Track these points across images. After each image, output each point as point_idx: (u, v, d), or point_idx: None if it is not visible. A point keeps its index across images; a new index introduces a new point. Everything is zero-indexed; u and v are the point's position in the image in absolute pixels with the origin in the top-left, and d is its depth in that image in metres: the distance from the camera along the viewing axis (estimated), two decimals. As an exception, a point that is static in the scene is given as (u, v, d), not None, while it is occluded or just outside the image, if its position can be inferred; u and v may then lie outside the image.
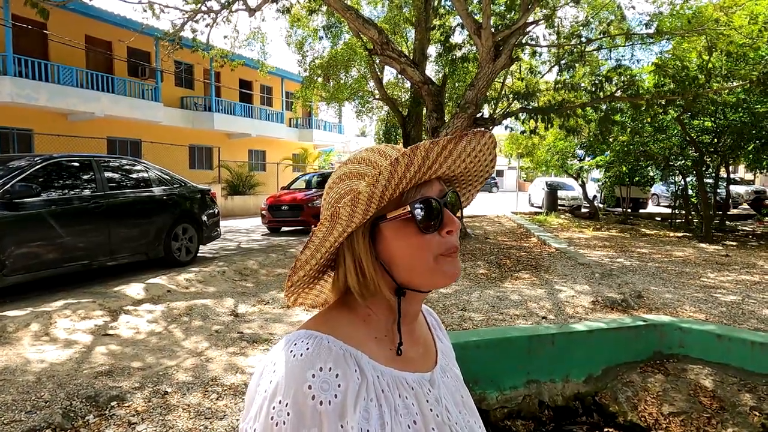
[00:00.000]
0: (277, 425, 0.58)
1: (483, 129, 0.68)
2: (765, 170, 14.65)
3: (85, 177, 6.06)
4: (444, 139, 0.63)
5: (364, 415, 0.61)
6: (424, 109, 10.63)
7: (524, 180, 34.08)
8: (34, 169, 5.51)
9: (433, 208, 0.66)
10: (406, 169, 0.62)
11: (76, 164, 6.10)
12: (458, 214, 0.71)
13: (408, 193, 0.66)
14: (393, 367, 0.69)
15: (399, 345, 0.70)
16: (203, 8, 9.53)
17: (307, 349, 0.62)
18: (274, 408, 0.59)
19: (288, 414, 0.58)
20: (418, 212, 0.65)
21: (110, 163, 6.56)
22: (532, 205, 21.63)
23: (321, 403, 0.58)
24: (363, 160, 0.70)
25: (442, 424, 0.69)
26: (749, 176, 29.28)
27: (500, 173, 49.97)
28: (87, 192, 5.96)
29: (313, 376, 0.60)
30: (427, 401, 0.69)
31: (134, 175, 6.80)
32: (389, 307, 0.71)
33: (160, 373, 3.38)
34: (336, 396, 0.60)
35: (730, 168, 15.16)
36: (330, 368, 0.61)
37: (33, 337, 4.06)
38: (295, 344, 0.63)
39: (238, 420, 2.79)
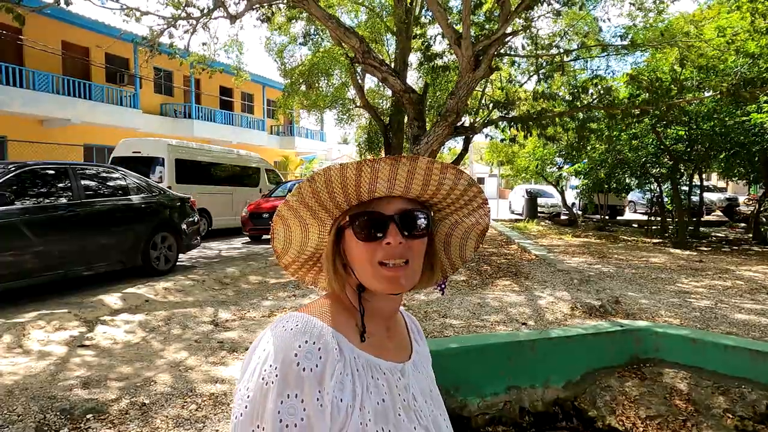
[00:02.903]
0: (266, 384, 0.68)
1: (413, 155, 0.76)
2: (736, 178, 15.09)
3: (61, 185, 5.94)
4: (360, 162, 0.74)
5: (339, 386, 0.71)
6: (406, 117, 10.69)
7: (505, 187, 34.47)
8: (7, 176, 5.38)
9: (368, 221, 0.78)
10: (326, 183, 0.76)
11: (52, 172, 5.98)
12: (422, 232, 0.80)
13: (365, 206, 0.78)
14: (368, 352, 0.79)
15: (362, 333, 0.80)
16: (182, 14, 9.46)
17: (297, 324, 0.73)
18: (265, 370, 0.69)
19: (276, 376, 0.68)
20: (355, 223, 0.78)
21: (87, 171, 6.45)
22: (512, 213, 21.88)
23: (304, 369, 0.68)
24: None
25: (407, 408, 0.79)
26: (722, 184, 30.10)
27: (481, 181, 50.40)
28: (63, 200, 5.84)
29: (300, 346, 0.70)
30: (396, 386, 0.80)
31: (111, 183, 6.69)
32: (362, 303, 0.82)
33: (138, 385, 3.32)
34: (317, 365, 0.70)
35: (704, 176, 15.55)
36: (314, 342, 0.71)
37: (5, 349, 3.95)
38: (287, 321, 0.74)
39: (217, 430, 2.76)
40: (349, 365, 0.74)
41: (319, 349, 0.71)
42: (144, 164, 11.30)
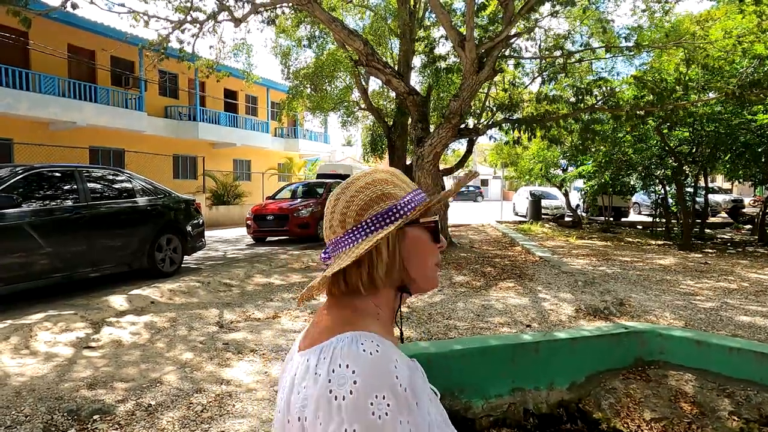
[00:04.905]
0: (380, 418, 0.63)
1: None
2: (741, 179, 15.02)
3: (68, 187, 5.99)
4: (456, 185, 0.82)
5: (426, 396, 0.72)
6: (409, 119, 10.71)
7: (509, 189, 34.42)
8: (15, 179, 5.43)
9: (436, 225, 0.83)
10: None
11: (58, 174, 6.02)
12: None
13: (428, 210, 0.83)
14: None
15: (401, 336, 0.83)
16: (189, 18, 9.52)
17: (378, 346, 0.69)
18: (372, 404, 0.63)
19: (388, 405, 0.64)
20: (430, 225, 0.82)
21: (93, 174, 6.49)
22: (516, 214, 21.85)
23: (406, 390, 0.66)
24: (388, 180, 0.83)
25: (434, 397, 0.80)
26: (727, 185, 29.96)
27: (485, 182, 50.35)
28: (69, 202, 5.88)
29: (395, 367, 0.67)
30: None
31: (117, 186, 6.74)
32: (390, 306, 0.81)
33: (143, 386, 3.34)
34: (411, 382, 0.68)
35: (709, 177, 15.49)
36: (398, 359, 0.69)
37: (12, 350, 3.98)
38: (362, 344, 0.69)
39: (223, 431, 2.78)
40: (420, 372, 0.74)
41: (406, 365, 0.69)
42: (341, 179, 15.48)
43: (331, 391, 0.65)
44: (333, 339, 0.71)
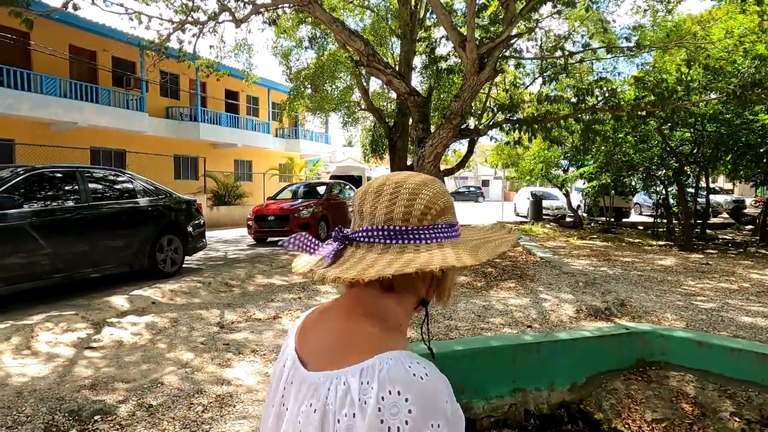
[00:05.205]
0: None
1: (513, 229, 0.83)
2: (743, 180, 15.00)
3: (69, 188, 5.99)
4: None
5: (461, 413, 0.68)
6: (410, 119, 10.71)
7: (510, 190, 34.41)
8: (16, 180, 5.44)
9: None
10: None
11: (60, 175, 6.03)
12: None
13: None
14: None
15: (430, 349, 0.85)
16: (190, 19, 9.53)
17: (425, 368, 0.64)
18: None
19: None
20: None
21: (94, 174, 6.50)
22: (517, 215, 21.84)
23: (452, 413, 0.64)
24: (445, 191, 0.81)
25: None
26: (728, 186, 29.93)
27: (486, 183, 50.30)
28: (70, 203, 5.89)
29: (446, 391, 0.65)
30: None
31: (119, 186, 6.74)
32: (409, 315, 0.79)
33: (144, 386, 3.34)
34: (453, 401, 0.65)
35: (710, 178, 15.47)
36: (446, 381, 0.66)
37: (14, 351, 3.99)
38: (409, 367, 0.64)
39: (224, 432, 2.78)
40: None
41: (446, 383, 0.66)
42: (352, 180, 17.14)
43: (383, 422, 0.60)
44: (373, 360, 0.66)
